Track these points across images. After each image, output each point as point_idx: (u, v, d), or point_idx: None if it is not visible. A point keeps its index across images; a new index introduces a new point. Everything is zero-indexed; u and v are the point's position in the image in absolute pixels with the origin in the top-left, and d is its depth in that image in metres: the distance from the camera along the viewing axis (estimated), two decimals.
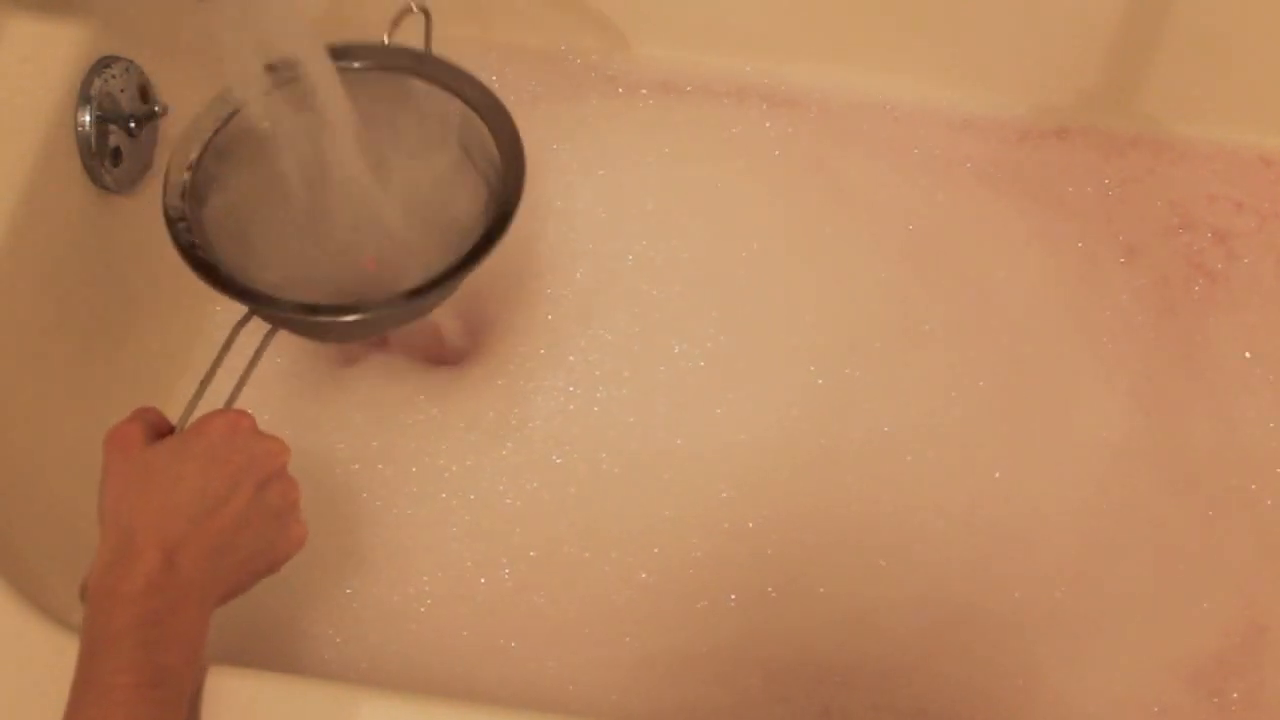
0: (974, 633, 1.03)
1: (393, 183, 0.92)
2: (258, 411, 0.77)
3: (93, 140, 0.94)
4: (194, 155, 0.89)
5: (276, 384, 1.10)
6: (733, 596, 1.04)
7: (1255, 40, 1.16)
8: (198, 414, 0.77)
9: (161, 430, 0.76)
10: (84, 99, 0.94)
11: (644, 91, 1.23)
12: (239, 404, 0.79)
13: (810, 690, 1.01)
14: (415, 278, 0.86)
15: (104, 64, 0.95)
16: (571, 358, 1.11)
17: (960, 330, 1.13)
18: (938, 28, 1.19)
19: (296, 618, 1.01)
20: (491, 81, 1.23)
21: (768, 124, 1.21)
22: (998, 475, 1.08)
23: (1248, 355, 1.14)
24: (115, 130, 0.96)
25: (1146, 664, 1.02)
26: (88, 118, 0.94)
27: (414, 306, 0.88)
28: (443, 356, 1.14)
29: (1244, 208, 1.20)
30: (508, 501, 1.06)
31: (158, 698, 0.67)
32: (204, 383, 0.81)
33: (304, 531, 0.77)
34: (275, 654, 0.99)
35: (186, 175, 0.88)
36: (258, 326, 0.86)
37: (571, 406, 1.09)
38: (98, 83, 0.94)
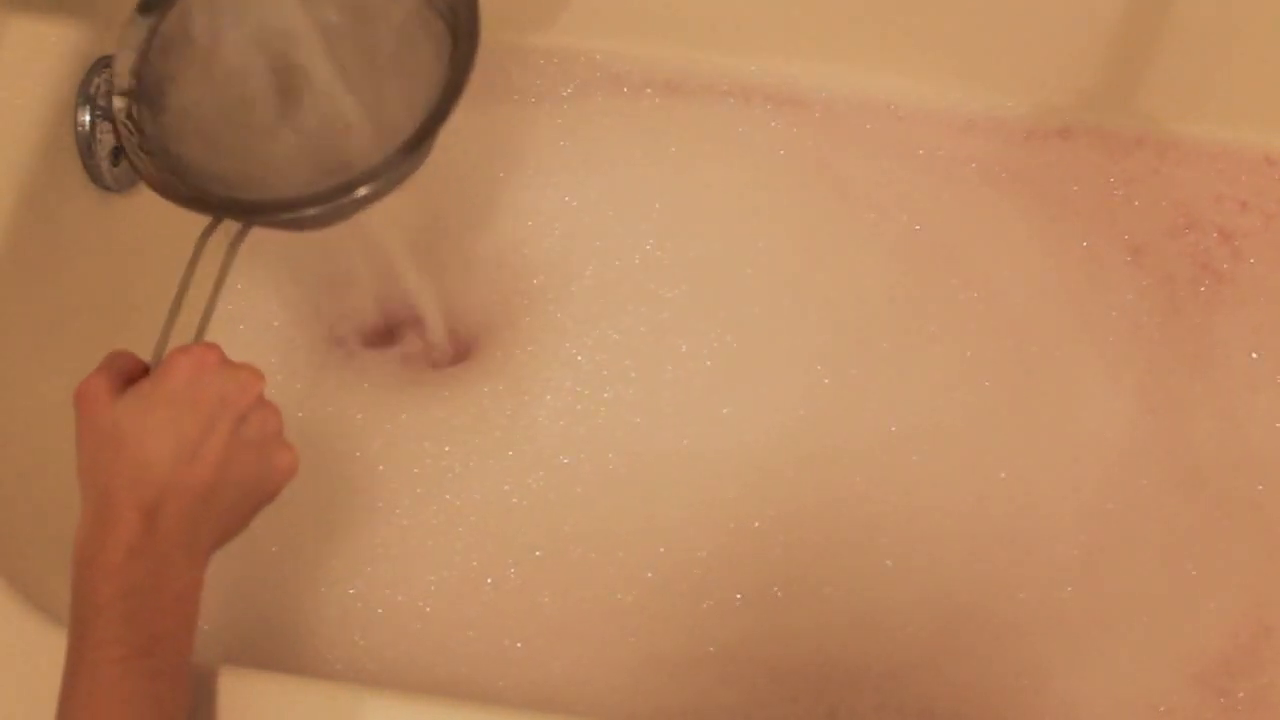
0: (980, 633, 1.02)
1: (352, 47, 0.87)
2: None
3: (93, 140, 0.92)
4: (136, 58, 0.83)
5: (274, 384, 1.09)
6: (739, 596, 1.02)
7: (1259, 40, 1.14)
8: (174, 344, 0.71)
9: (134, 374, 0.71)
10: (84, 99, 0.92)
11: (649, 91, 1.21)
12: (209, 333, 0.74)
13: (817, 690, 0.99)
14: (393, 141, 0.80)
15: (104, 64, 0.93)
16: (579, 357, 1.10)
17: (965, 330, 1.12)
18: (942, 28, 1.17)
19: (300, 618, 0.99)
20: (496, 80, 1.23)
21: (772, 124, 1.20)
22: (1003, 475, 1.07)
23: (1254, 355, 1.12)
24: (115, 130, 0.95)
25: (1152, 664, 1.01)
26: (88, 118, 0.92)
27: (401, 168, 0.80)
28: (434, 359, 1.12)
29: (1249, 207, 1.18)
30: (513, 502, 1.05)
31: (150, 668, 0.65)
32: (173, 310, 0.75)
33: (293, 458, 0.73)
34: (278, 655, 0.98)
35: (131, 82, 0.82)
36: (221, 240, 0.79)
37: (578, 406, 1.08)
38: (98, 83, 0.92)
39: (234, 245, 0.78)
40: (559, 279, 1.13)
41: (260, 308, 1.12)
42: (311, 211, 0.79)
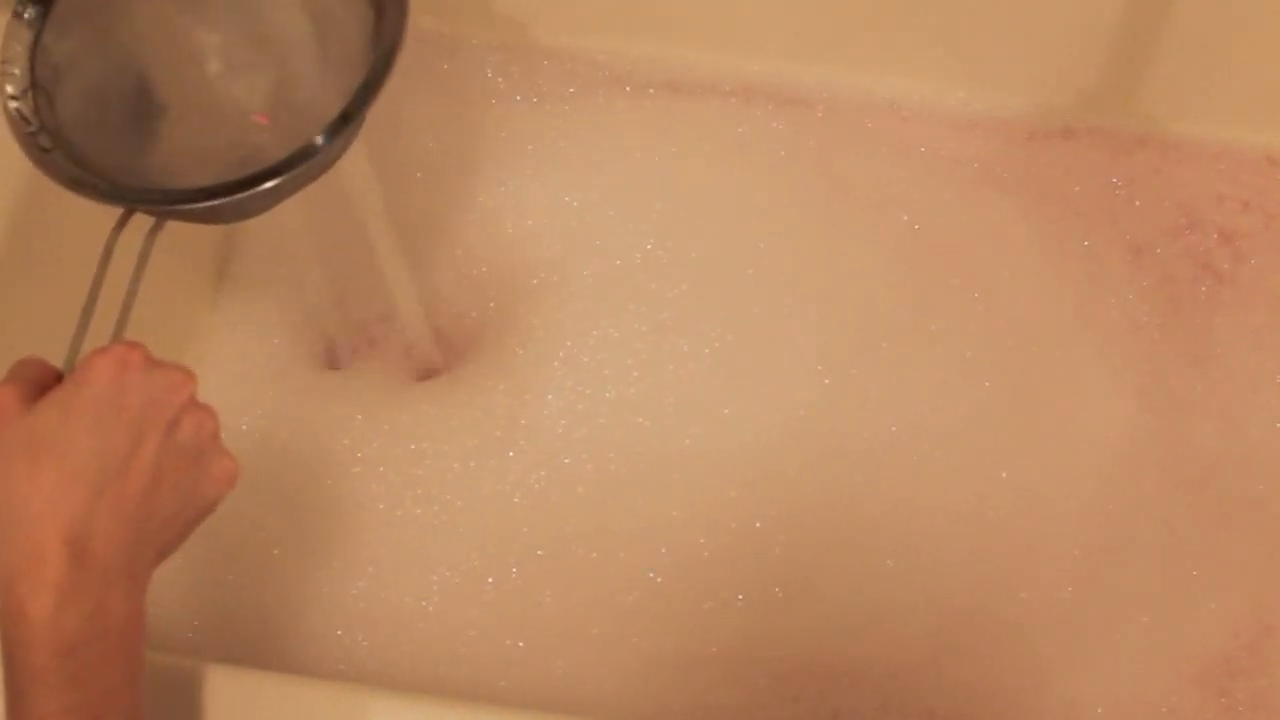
0: (981, 633, 1.01)
1: (267, 25, 0.82)
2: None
3: None
4: (30, 45, 0.76)
5: (272, 386, 1.07)
6: (740, 596, 1.02)
7: (1262, 40, 1.13)
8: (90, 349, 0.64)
9: (47, 382, 0.63)
10: None
11: (651, 91, 1.21)
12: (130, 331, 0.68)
13: (819, 691, 0.99)
14: (316, 124, 0.75)
15: None
16: (580, 357, 1.09)
17: (966, 330, 1.11)
18: (944, 28, 1.17)
19: (302, 619, 0.99)
20: (499, 80, 1.23)
21: (774, 124, 1.19)
22: (1004, 475, 1.06)
23: (1255, 355, 1.12)
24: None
25: (1154, 664, 1.01)
26: None
27: (318, 159, 0.75)
28: (422, 371, 1.12)
29: (1251, 207, 1.17)
30: (515, 501, 1.04)
31: None
32: (86, 311, 0.68)
33: (232, 465, 0.65)
34: (281, 655, 0.97)
35: (22, 71, 0.75)
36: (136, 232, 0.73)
37: (579, 406, 1.07)
38: None
39: (150, 236, 0.73)
40: (560, 278, 1.12)
41: (258, 310, 1.11)
42: (225, 201, 0.74)
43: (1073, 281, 1.14)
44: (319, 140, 0.75)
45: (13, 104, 0.75)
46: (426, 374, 1.12)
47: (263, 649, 0.97)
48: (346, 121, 0.75)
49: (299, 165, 0.74)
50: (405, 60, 0.82)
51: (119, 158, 0.76)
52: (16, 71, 0.75)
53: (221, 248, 1.14)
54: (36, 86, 0.75)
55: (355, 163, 0.93)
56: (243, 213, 0.79)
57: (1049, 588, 1.03)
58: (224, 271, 1.13)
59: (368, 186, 0.95)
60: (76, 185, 0.73)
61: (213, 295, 1.12)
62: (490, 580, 1.02)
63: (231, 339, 1.09)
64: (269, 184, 0.73)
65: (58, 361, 0.65)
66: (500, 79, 1.21)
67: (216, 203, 0.74)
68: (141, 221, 0.74)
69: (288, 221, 1.13)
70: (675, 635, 1.01)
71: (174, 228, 0.75)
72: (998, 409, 1.09)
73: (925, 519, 1.05)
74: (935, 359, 1.11)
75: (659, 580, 1.02)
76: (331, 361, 1.12)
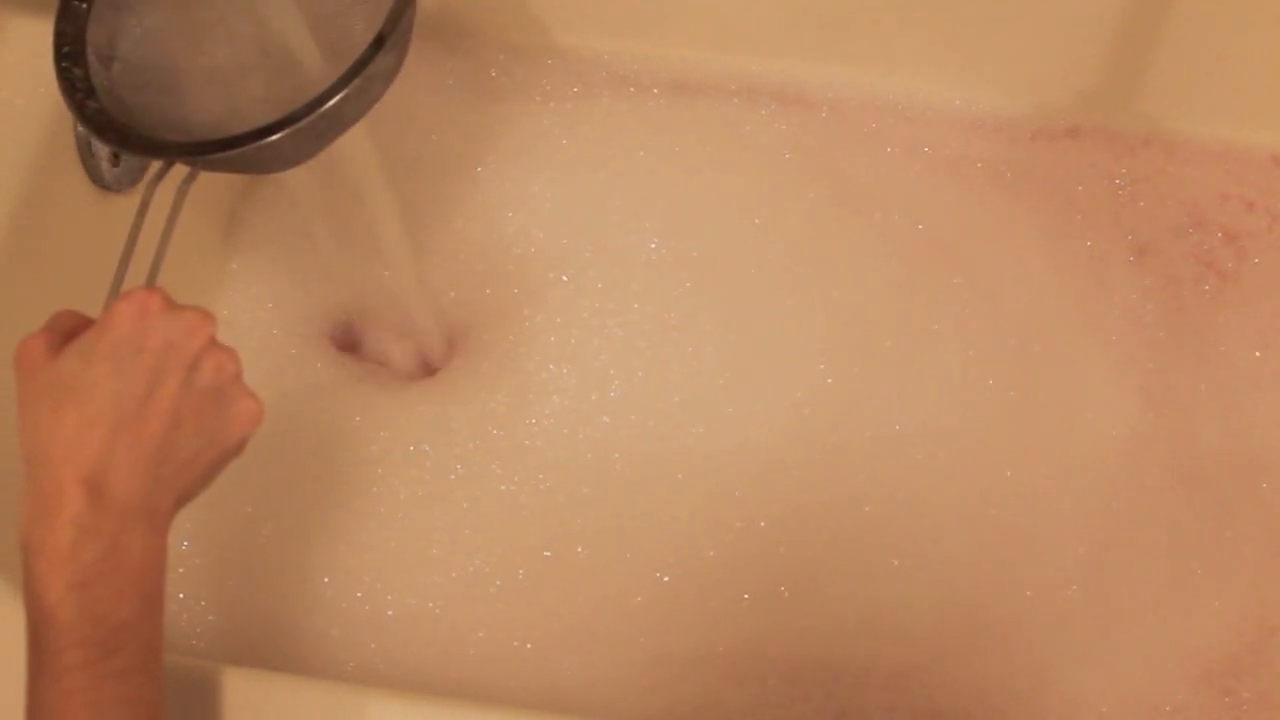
0: (985, 632, 1.01)
1: None
2: None
3: (93, 140, 0.90)
4: (81, 13, 0.79)
5: (272, 386, 1.07)
6: (746, 596, 1.01)
7: (1267, 40, 1.13)
8: None
9: (78, 332, 0.64)
10: None
11: (655, 91, 1.20)
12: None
13: (826, 690, 0.98)
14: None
15: None
16: (584, 357, 1.09)
17: (970, 329, 1.11)
18: (949, 28, 1.16)
19: (307, 621, 0.98)
20: (503, 80, 1.22)
21: (778, 124, 1.19)
22: (1008, 474, 1.06)
23: (1258, 354, 1.11)
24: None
25: (1158, 664, 1.00)
26: None
27: (351, 100, 0.77)
28: (423, 369, 1.12)
29: (1255, 207, 1.17)
30: (520, 502, 1.03)
31: (117, 668, 0.59)
32: (123, 263, 0.70)
33: (255, 405, 0.66)
34: (287, 657, 0.97)
35: (76, 40, 0.79)
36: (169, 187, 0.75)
37: (583, 406, 1.07)
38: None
39: (183, 187, 0.74)
40: (564, 277, 1.12)
41: (258, 312, 1.11)
42: (258, 145, 0.75)
43: (1076, 281, 1.14)
44: (362, 55, 0.76)
45: (64, 67, 0.77)
46: (427, 372, 1.12)
47: (268, 651, 0.97)
48: (381, 44, 0.77)
49: (333, 98, 0.76)
50: (410, 60, 0.83)
51: (165, 117, 0.79)
52: (70, 40, 0.78)
53: (220, 250, 1.14)
54: (87, 54, 0.78)
55: (361, 153, 0.94)
56: (277, 159, 0.80)
57: (1053, 586, 1.03)
58: (223, 273, 1.13)
59: (372, 177, 0.95)
60: (122, 141, 0.76)
61: (212, 295, 1.12)
62: (497, 581, 1.01)
63: (230, 340, 1.09)
64: (292, 127, 0.75)
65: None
66: (505, 79, 1.20)
67: (250, 148, 0.75)
68: (170, 180, 0.76)
69: (287, 220, 1.13)
70: (682, 635, 1.00)
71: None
72: (1001, 408, 1.09)
73: (929, 518, 1.05)
74: (939, 358, 1.10)
75: (665, 580, 1.02)
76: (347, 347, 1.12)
